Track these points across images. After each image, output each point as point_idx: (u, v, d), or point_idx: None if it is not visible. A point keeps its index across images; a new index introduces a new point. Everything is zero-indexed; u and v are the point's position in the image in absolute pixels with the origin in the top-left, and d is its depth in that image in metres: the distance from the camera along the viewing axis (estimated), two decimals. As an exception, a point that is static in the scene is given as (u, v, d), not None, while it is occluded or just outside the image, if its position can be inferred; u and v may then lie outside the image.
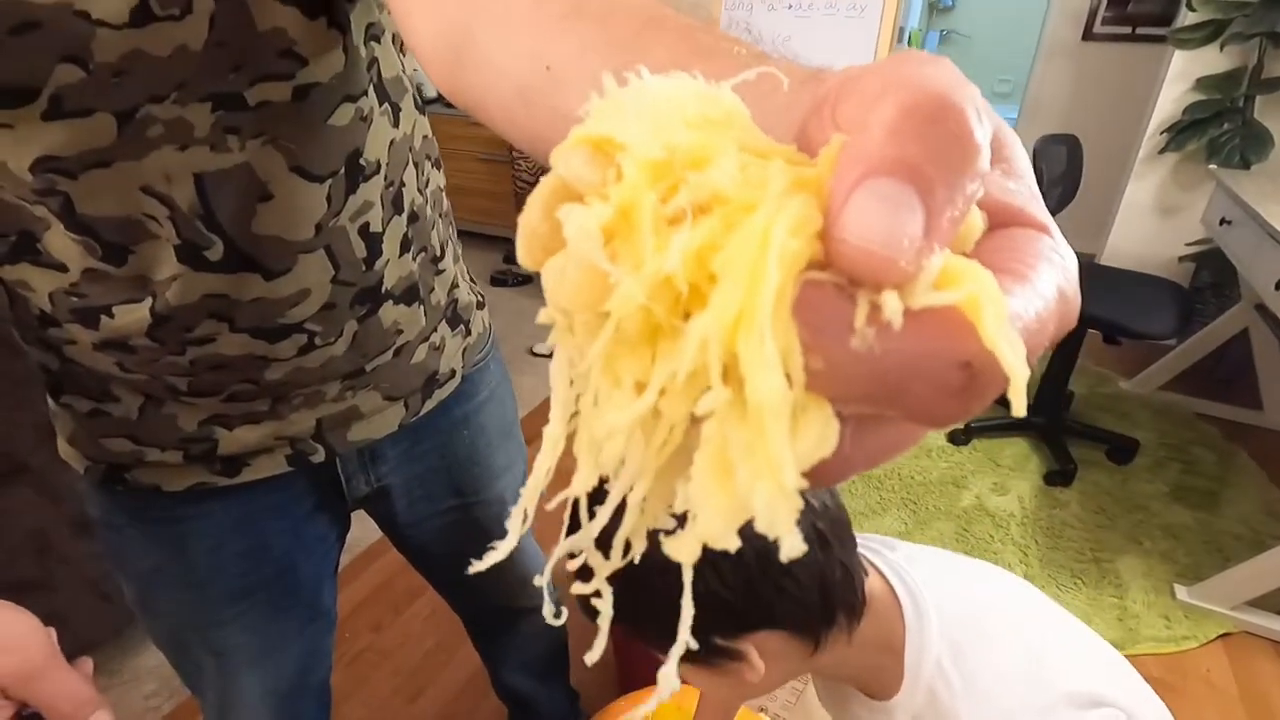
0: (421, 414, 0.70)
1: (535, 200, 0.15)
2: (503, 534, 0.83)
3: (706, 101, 0.14)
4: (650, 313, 0.13)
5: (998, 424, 2.18)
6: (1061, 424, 2.13)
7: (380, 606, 1.60)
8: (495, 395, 0.80)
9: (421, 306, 0.66)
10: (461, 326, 0.74)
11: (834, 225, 0.12)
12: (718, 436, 0.13)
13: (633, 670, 1.38)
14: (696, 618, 0.40)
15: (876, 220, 0.12)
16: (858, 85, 0.13)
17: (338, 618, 0.81)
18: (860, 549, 0.56)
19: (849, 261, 0.12)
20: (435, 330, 0.69)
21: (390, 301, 0.61)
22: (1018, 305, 0.13)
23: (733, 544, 0.14)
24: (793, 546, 0.13)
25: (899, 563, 0.57)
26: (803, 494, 0.13)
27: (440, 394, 0.71)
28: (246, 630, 0.72)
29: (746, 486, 0.13)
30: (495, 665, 1.12)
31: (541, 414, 2.34)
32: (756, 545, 0.41)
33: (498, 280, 3.27)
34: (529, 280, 3.37)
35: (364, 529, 1.66)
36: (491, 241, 3.62)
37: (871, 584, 0.55)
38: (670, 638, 0.25)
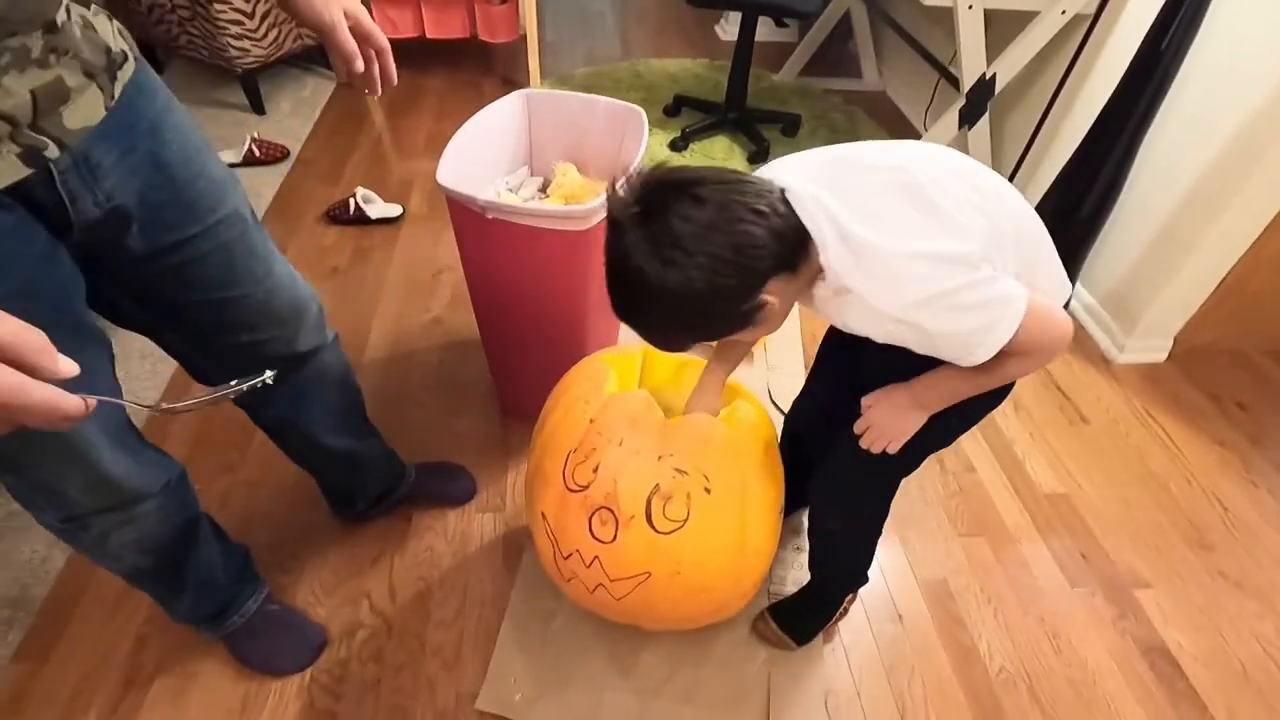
0: (117, 99, 0.63)
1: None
2: (265, 255, 1.00)
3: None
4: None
5: (703, 126, 2.53)
6: (749, 116, 2.56)
7: (218, 446, 1.44)
8: (174, 103, 0.72)
9: None
10: (99, 6, 0.65)
11: None
12: None
13: (514, 401, 1.51)
14: (743, 291, 0.72)
15: None
16: None
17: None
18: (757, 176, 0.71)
19: None
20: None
21: None
22: None
23: None
24: None
25: (787, 180, 0.70)
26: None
27: (123, 76, 0.64)
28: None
29: None
30: (309, 435, 1.06)
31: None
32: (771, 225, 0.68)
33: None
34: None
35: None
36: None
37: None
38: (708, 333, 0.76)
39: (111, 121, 0.63)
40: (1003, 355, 0.71)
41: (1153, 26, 1.50)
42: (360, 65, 0.77)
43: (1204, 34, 1.48)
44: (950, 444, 0.97)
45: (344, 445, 1.11)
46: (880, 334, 0.70)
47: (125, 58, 0.65)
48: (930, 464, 1.52)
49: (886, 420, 0.85)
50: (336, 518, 1.33)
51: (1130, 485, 1.52)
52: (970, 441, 1.58)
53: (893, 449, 0.86)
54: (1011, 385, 0.87)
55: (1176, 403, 1.72)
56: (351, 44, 0.75)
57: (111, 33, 0.64)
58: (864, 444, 0.88)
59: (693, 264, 0.64)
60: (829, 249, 0.68)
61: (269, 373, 0.69)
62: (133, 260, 0.71)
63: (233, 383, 0.60)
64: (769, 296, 0.69)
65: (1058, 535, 1.41)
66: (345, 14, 0.74)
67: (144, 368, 1.58)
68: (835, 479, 1.01)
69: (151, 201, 0.68)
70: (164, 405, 0.55)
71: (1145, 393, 1.74)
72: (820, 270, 0.70)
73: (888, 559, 1.34)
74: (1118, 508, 1.47)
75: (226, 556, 1.05)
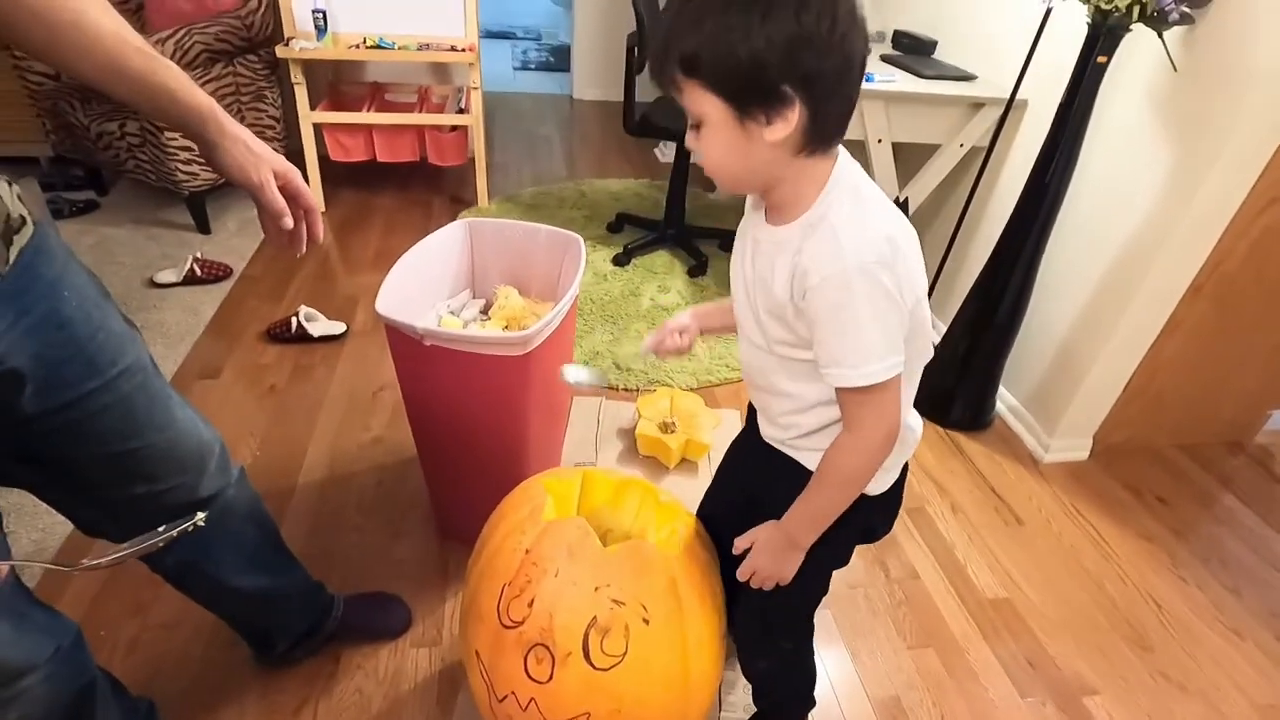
0: (12, 264, 0.63)
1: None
2: (165, 401, 0.98)
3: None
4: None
5: (645, 242, 2.65)
6: (687, 232, 2.71)
7: (129, 584, 1.34)
8: (74, 263, 0.72)
9: None
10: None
11: None
12: None
13: (454, 524, 1.47)
14: (800, 61, 0.63)
15: None
16: None
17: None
18: None
19: None
20: None
21: None
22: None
23: None
24: None
25: None
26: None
27: (19, 240, 0.64)
28: None
29: None
30: (217, 577, 1.00)
31: (200, 355, 2.02)
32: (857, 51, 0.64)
33: (52, 211, 2.49)
34: (94, 206, 2.64)
35: (43, 530, 1.34)
36: (17, 166, 2.66)
37: None
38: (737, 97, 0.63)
39: (6, 286, 0.62)
40: (843, 433, 0.76)
41: (1036, 162, 1.68)
42: (290, 222, 0.77)
43: (1081, 170, 1.66)
44: (844, 563, 0.96)
45: (256, 584, 1.05)
46: (818, 278, 0.68)
47: (23, 222, 0.64)
48: (875, 572, 1.53)
49: (768, 563, 0.87)
50: (258, 661, 1.23)
51: (1068, 585, 1.55)
52: (912, 547, 1.60)
53: (783, 582, 0.88)
54: (873, 523, 0.92)
55: (1101, 499, 1.79)
56: (280, 202, 0.76)
57: (10, 198, 0.64)
58: (754, 585, 0.89)
59: None
60: (830, 192, 0.69)
61: (200, 515, 0.66)
62: (21, 420, 0.68)
63: (160, 529, 0.57)
64: (796, 103, 0.62)
65: (1003, 641, 1.41)
66: (275, 174, 0.75)
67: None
68: (745, 625, 1.02)
69: (50, 359, 0.67)
70: (85, 563, 0.51)
71: (1072, 490, 1.81)
72: (802, 207, 0.71)
73: (839, 676, 1.31)
74: (1058, 609, 1.49)
75: (128, 717, 0.96)
